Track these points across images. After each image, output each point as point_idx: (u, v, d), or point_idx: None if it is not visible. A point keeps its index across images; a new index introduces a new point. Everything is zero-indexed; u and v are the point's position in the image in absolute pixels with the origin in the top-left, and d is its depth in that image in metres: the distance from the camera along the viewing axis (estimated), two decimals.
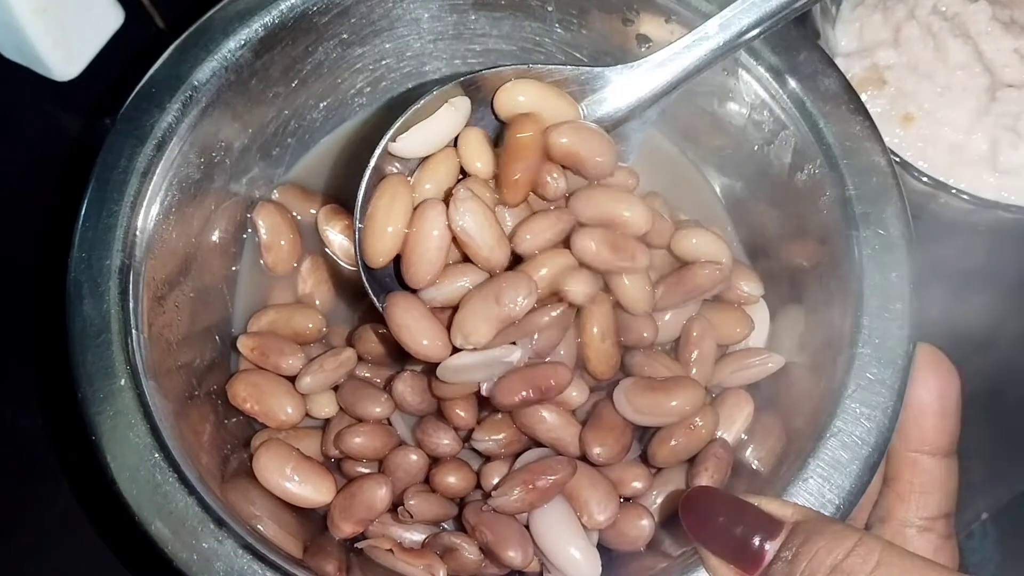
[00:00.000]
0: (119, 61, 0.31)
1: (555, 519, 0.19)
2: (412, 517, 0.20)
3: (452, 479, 0.20)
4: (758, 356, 0.21)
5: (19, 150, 0.31)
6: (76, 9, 0.29)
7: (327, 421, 0.22)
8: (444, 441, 0.20)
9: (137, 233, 0.20)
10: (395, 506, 0.20)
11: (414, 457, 0.20)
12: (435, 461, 0.21)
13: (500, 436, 0.20)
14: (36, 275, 0.26)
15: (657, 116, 0.21)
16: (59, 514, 0.27)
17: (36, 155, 0.31)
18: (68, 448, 0.27)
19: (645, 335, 0.21)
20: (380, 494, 0.19)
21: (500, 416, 0.20)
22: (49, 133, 0.31)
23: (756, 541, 0.15)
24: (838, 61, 0.29)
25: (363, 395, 0.21)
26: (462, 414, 0.20)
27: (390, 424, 0.22)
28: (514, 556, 0.18)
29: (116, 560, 0.26)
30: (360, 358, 0.22)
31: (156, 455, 0.18)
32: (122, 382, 0.19)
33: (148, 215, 0.20)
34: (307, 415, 0.22)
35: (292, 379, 0.22)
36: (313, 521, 0.21)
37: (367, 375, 0.22)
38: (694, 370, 0.21)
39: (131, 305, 0.19)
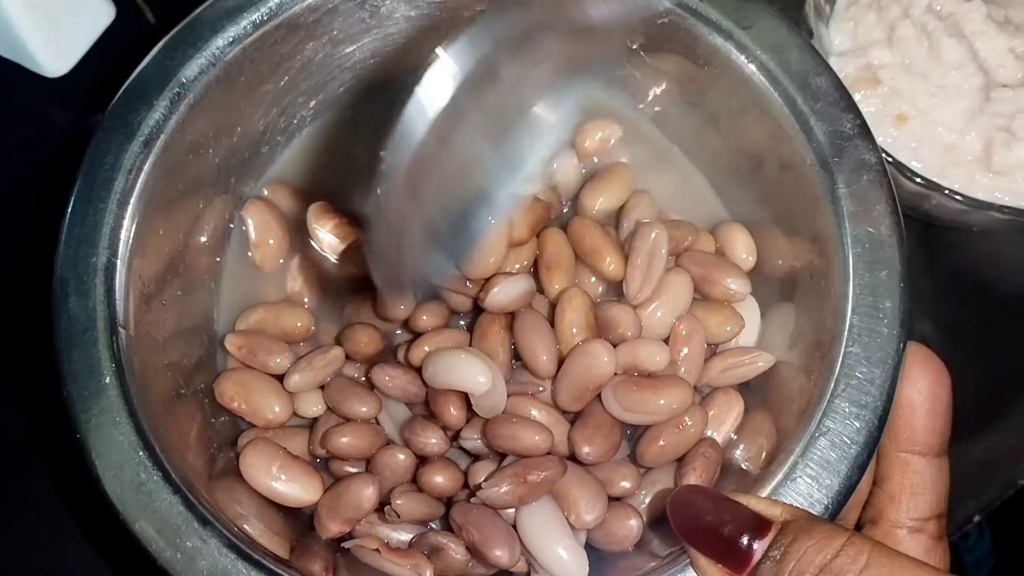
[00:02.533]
0: (110, 57, 0.30)
1: (542, 519, 0.19)
2: (399, 517, 0.19)
3: (439, 478, 0.20)
4: (748, 355, 0.21)
5: (9, 146, 0.31)
6: (67, 4, 0.29)
7: (314, 420, 0.22)
8: (432, 440, 0.20)
9: (124, 230, 0.20)
10: (382, 506, 0.20)
11: (401, 456, 0.20)
12: (422, 460, 0.20)
13: None
14: (25, 272, 0.26)
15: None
16: (44, 513, 0.27)
17: (26, 151, 0.31)
18: (54, 446, 0.27)
19: (629, 333, 0.21)
20: (367, 493, 0.19)
21: None
22: (39, 129, 0.31)
23: (744, 540, 0.15)
24: (832, 60, 0.29)
25: (350, 393, 0.21)
26: (454, 412, 0.20)
27: (378, 423, 0.21)
28: (501, 555, 0.18)
29: (100, 559, 0.26)
30: (348, 357, 0.22)
31: (141, 453, 0.18)
32: (107, 380, 0.18)
33: (135, 212, 0.20)
34: (294, 414, 0.22)
35: (280, 378, 0.22)
36: (300, 520, 0.21)
37: (354, 374, 0.22)
38: (682, 369, 0.21)
39: (117, 303, 0.19)
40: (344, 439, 0.20)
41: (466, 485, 0.20)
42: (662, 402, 0.19)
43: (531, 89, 0.16)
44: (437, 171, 0.15)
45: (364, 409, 0.21)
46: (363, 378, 0.22)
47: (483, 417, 0.20)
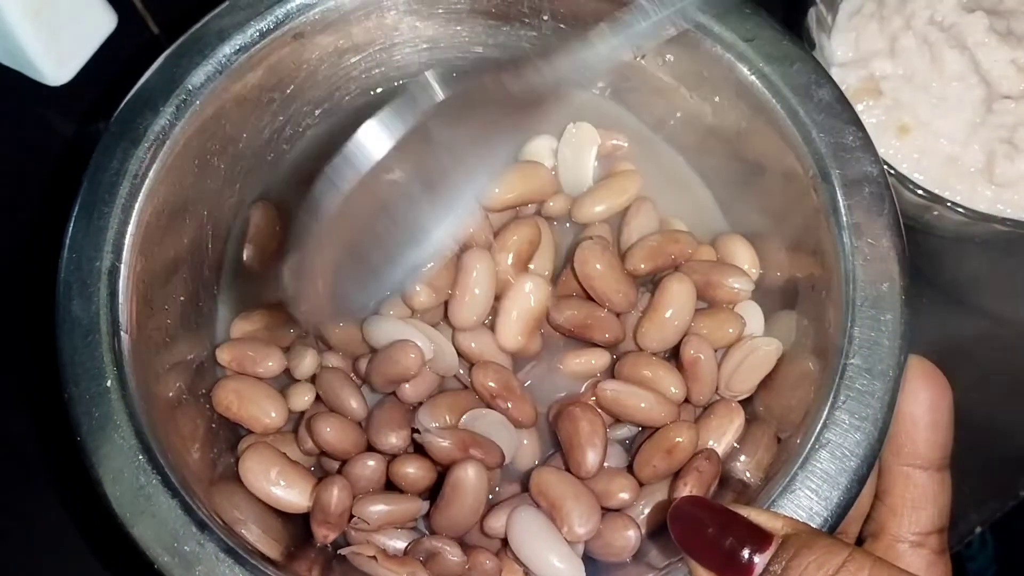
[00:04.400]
0: (112, 66, 0.31)
1: (536, 528, 0.19)
2: (368, 525, 0.19)
3: (411, 469, 0.19)
4: (754, 343, 0.21)
5: (10, 154, 0.31)
6: (68, 13, 0.29)
7: (301, 415, 0.22)
8: (392, 440, 0.20)
9: (128, 235, 0.20)
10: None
11: (371, 463, 0.20)
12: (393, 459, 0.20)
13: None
14: (27, 278, 0.26)
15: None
16: (44, 516, 0.27)
17: (28, 160, 0.31)
18: (55, 449, 0.27)
19: (607, 335, 0.21)
20: (333, 494, 0.19)
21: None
22: (41, 138, 0.31)
23: (745, 553, 0.15)
24: (833, 71, 0.29)
25: (343, 386, 0.21)
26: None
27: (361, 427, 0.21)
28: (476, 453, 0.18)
29: (99, 563, 0.26)
30: (330, 347, 0.22)
31: (140, 457, 0.18)
32: (109, 383, 0.19)
33: (140, 218, 0.20)
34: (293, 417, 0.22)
35: (283, 378, 0.22)
36: (298, 526, 0.21)
37: (340, 365, 0.22)
38: (695, 388, 0.21)
39: (120, 307, 0.19)
40: (328, 429, 0.20)
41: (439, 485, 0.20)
42: (643, 405, 0.20)
43: (467, 144, 0.18)
44: (368, 210, 0.16)
45: (354, 404, 0.20)
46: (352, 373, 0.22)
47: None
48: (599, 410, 0.21)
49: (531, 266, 0.22)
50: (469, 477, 0.19)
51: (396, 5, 0.23)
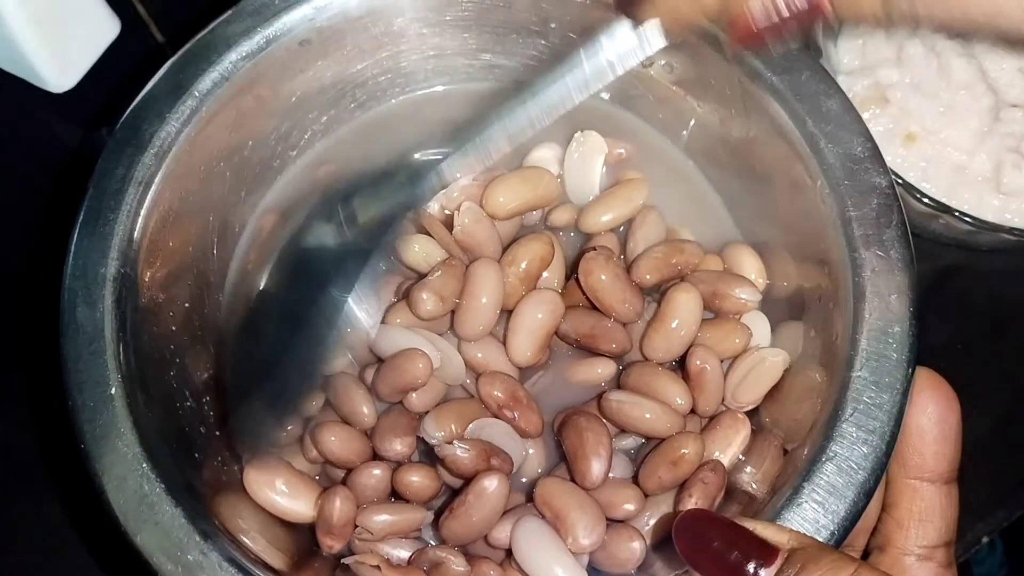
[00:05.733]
0: (115, 72, 0.30)
1: (539, 539, 0.19)
2: (372, 535, 0.19)
3: (415, 477, 0.19)
4: (760, 354, 0.21)
5: (13, 161, 0.31)
6: (71, 20, 0.29)
7: (308, 420, 0.21)
8: (397, 446, 0.20)
9: (134, 242, 0.20)
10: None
11: (377, 472, 0.20)
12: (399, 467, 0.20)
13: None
14: (32, 285, 0.26)
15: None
16: (48, 524, 0.26)
17: (31, 166, 0.31)
18: (58, 462, 0.27)
19: (613, 346, 0.21)
20: (336, 506, 0.19)
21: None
22: (44, 144, 0.31)
23: (751, 567, 0.15)
24: (840, 79, 0.29)
25: (353, 393, 0.21)
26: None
27: (367, 436, 0.21)
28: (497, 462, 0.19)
29: (103, 572, 0.26)
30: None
31: (144, 465, 0.18)
32: (113, 391, 0.18)
33: (145, 224, 0.20)
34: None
35: None
36: (303, 536, 0.21)
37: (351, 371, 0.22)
38: (705, 394, 0.21)
39: (125, 314, 0.19)
40: (332, 438, 0.20)
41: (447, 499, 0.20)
42: (648, 415, 0.20)
43: None
44: None
45: (365, 410, 0.20)
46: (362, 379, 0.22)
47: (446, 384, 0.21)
48: (604, 420, 0.21)
49: (545, 274, 0.22)
50: (494, 487, 0.19)
51: (403, 12, 0.23)
